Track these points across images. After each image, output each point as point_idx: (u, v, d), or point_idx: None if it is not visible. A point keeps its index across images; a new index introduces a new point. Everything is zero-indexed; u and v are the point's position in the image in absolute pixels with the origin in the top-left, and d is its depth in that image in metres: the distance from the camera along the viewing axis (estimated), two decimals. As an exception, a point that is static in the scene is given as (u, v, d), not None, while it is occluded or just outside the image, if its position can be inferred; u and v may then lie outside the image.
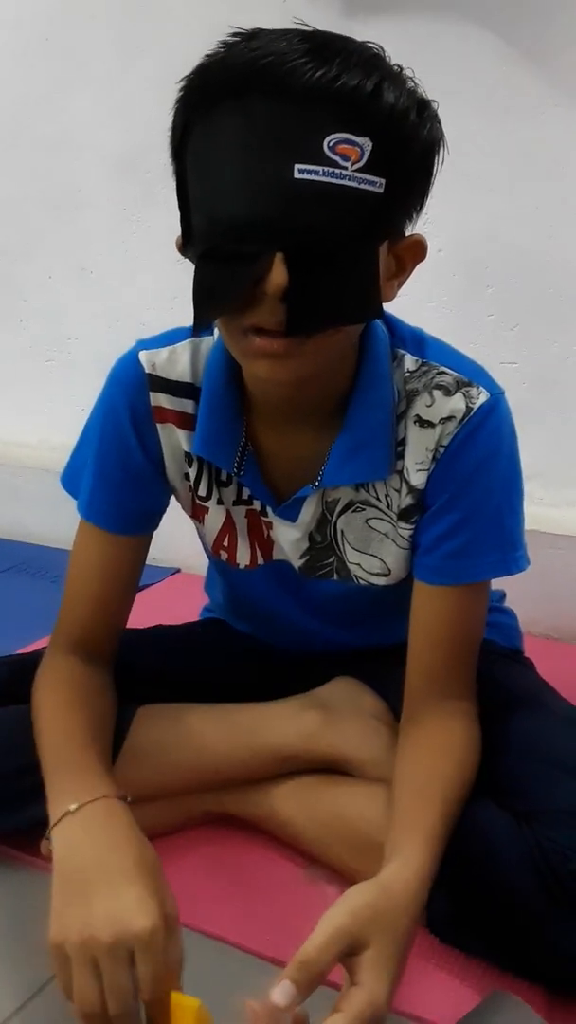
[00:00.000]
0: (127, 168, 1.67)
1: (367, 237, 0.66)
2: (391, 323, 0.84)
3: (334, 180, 0.62)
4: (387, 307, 0.87)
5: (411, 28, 1.40)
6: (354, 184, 0.63)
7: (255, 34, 0.64)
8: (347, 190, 0.63)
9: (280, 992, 0.55)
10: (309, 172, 0.62)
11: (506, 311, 1.45)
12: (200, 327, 0.70)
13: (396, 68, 0.67)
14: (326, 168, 0.62)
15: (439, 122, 0.69)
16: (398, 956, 0.61)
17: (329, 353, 0.71)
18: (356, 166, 0.63)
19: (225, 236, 0.65)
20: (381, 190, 0.64)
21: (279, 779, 0.90)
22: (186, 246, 0.70)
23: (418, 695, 0.84)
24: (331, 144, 0.62)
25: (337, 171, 0.62)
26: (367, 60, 0.64)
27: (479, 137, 1.40)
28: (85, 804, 0.70)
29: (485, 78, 1.39)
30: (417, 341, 0.84)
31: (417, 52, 1.37)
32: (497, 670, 0.92)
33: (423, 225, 1.52)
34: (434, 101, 0.69)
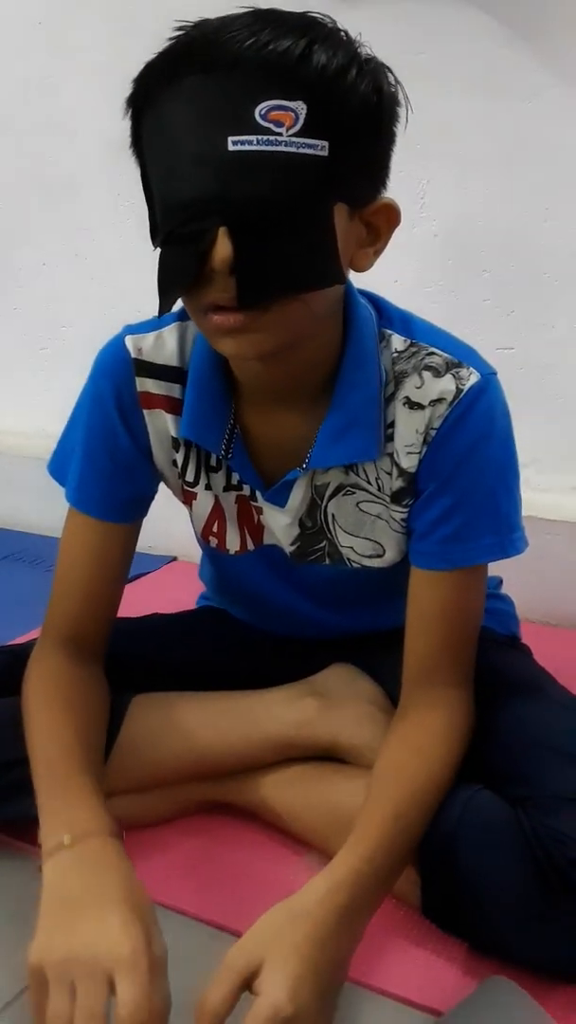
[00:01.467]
0: (121, 153, 1.65)
1: (314, 201, 0.65)
2: (378, 304, 0.83)
3: (270, 148, 0.62)
4: (382, 292, 0.86)
5: (405, 11, 1.39)
6: (292, 149, 0.62)
7: (198, 24, 0.64)
8: (286, 156, 0.62)
9: None
10: (243, 143, 0.62)
11: (502, 296, 1.44)
12: (163, 310, 0.70)
13: (334, 29, 0.65)
14: (260, 137, 0.61)
15: (387, 78, 0.67)
16: (296, 957, 0.59)
17: (293, 324, 0.69)
18: (292, 131, 0.62)
19: (175, 218, 0.65)
20: (325, 152, 0.63)
21: (275, 767, 0.89)
22: (153, 238, 0.70)
23: (413, 682, 0.83)
24: (263, 112, 0.61)
25: (272, 138, 0.62)
26: (300, 25, 0.63)
27: (473, 120, 1.39)
28: (78, 839, 0.68)
29: (479, 60, 1.37)
30: (405, 322, 0.83)
31: (411, 34, 1.38)
32: (494, 657, 0.92)
33: (419, 210, 1.52)
34: (373, 58, 0.67)
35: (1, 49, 1.81)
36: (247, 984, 0.59)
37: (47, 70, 1.77)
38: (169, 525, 1.36)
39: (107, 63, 1.68)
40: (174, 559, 1.76)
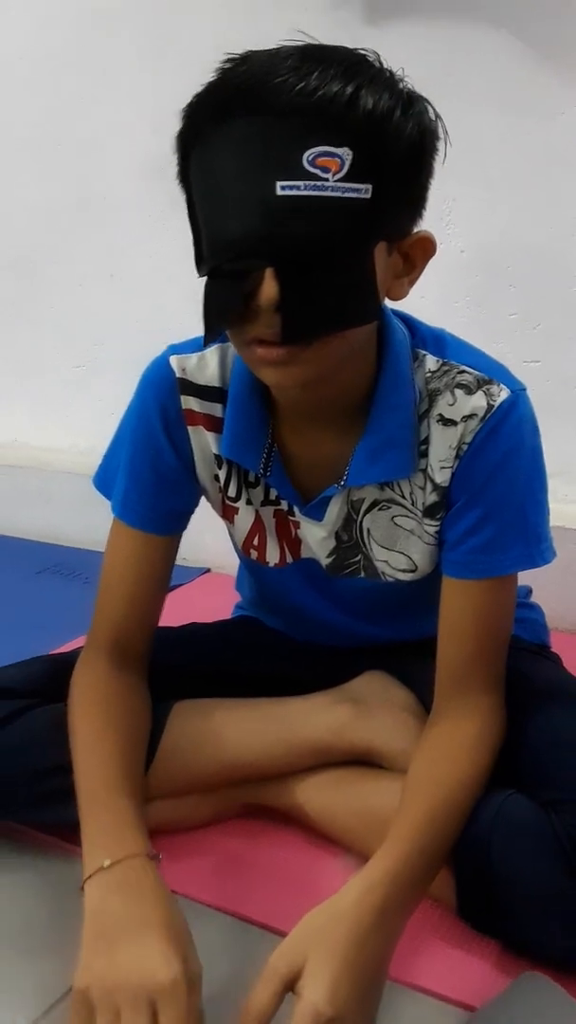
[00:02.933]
0: (155, 174, 1.69)
1: (358, 242, 0.68)
2: (411, 324, 0.86)
3: (316, 192, 0.64)
4: (409, 308, 0.89)
5: (431, 32, 1.42)
6: (338, 194, 0.65)
7: (245, 58, 0.67)
8: (331, 200, 0.65)
9: None
10: (291, 188, 0.64)
11: (529, 310, 1.47)
12: (208, 341, 0.73)
13: (380, 69, 0.68)
14: (307, 182, 0.64)
15: (428, 114, 0.70)
16: (335, 958, 0.62)
17: (332, 356, 0.72)
18: (338, 176, 0.64)
19: (222, 255, 0.69)
20: (368, 195, 0.66)
21: (312, 771, 0.92)
22: (199, 266, 0.73)
23: (445, 689, 0.86)
24: (310, 158, 0.64)
25: (319, 183, 0.64)
26: (348, 67, 0.65)
27: (498, 137, 1.42)
28: (117, 862, 0.70)
29: (503, 79, 1.40)
30: (437, 341, 0.85)
31: (437, 56, 1.41)
32: (523, 664, 0.94)
33: (444, 227, 1.55)
34: (430, 105, 0.69)
35: (37, 74, 1.87)
36: (290, 986, 0.61)
37: (82, 94, 1.83)
38: (202, 537, 1.38)
39: (139, 85, 1.72)
40: (207, 571, 1.79)
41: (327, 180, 0.64)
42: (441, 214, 1.45)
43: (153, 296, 1.83)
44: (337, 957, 0.62)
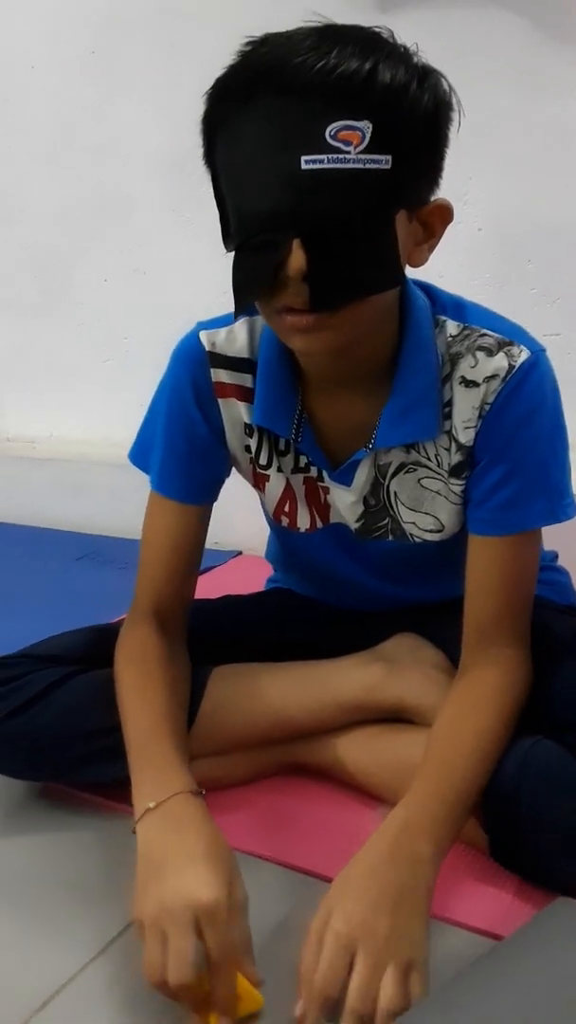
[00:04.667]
0: (174, 170, 1.74)
1: (380, 211, 0.72)
2: (431, 292, 0.89)
3: (339, 165, 0.68)
4: (430, 280, 0.92)
5: (444, 17, 1.45)
6: (359, 165, 0.68)
7: (265, 40, 0.71)
8: (354, 172, 0.68)
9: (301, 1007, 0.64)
10: (315, 162, 0.68)
11: (547, 285, 1.49)
12: (239, 312, 0.77)
13: (395, 45, 0.71)
14: (330, 156, 0.68)
15: (443, 86, 0.73)
16: (351, 888, 0.67)
17: (359, 322, 0.76)
18: (359, 149, 0.68)
19: (250, 229, 0.72)
20: (388, 165, 0.69)
21: (346, 729, 0.96)
22: (226, 242, 0.77)
23: (472, 643, 0.89)
24: (332, 132, 0.68)
25: (341, 156, 0.68)
26: (364, 44, 0.69)
27: (514, 116, 1.44)
28: (163, 802, 0.75)
29: (517, 60, 1.43)
30: (457, 307, 0.88)
31: (451, 39, 1.44)
32: (552, 622, 0.96)
33: (463, 205, 1.57)
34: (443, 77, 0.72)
35: (57, 76, 1.92)
36: None
37: (100, 95, 1.87)
38: (233, 520, 1.42)
39: (156, 87, 1.77)
40: (239, 553, 1.83)
41: (349, 153, 0.68)
42: (459, 193, 1.47)
43: (177, 289, 1.87)
44: (350, 888, 0.67)
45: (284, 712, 0.95)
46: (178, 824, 0.74)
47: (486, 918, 0.77)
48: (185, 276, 1.83)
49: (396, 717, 0.95)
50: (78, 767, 0.93)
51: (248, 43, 0.71)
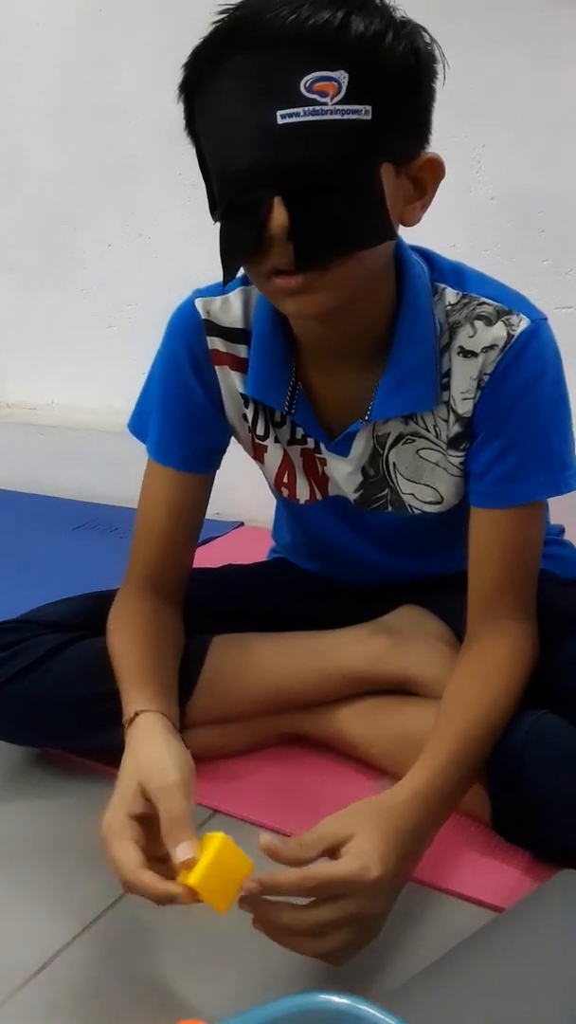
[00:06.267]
0: (180, 133, 1.71)
1: (362, 163, 0.69)
2: (430, 258, 0.87)
3: (316, 118, 0.66)
4: (441, 250, 0.90)
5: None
6: (338, 116, 0.66)
7: (240, 4, 0.69)
8: (332, 124, 0.66)
9: (266, 839, 0.62)
10: (291, 115, 0.66)
11: (560, 256, 1.46)
12: (227, 279, 0.75)
13: None
14: (307, 108, 0.66)
15: (423, 38, 0.71)
16: (386, 840, 0.65)
17: (349, 282, 0.74)
18: (336, 99, 0.66)
19: (231, 191, 0.71)
20: (368, 116, 0.67)
21: (349, 700, 0.95)
22: (212, 212, 0.75)
23: (477, 617, 0.88)
24: (308, 84, 0.66)
25: (318, 108, 0.66)
26: None
27: (528, 82, 1.41)
28: (130, 720, 0.78)
29: (527, 24, 1.39)
30: (457, 274, 0.86)
31: (460, 2, 1.40)
32: (557, 596, 0.95)
33: (475, 173, 1.54)
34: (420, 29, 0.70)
35: (59, 37, 1.88)
36: (332, 852, 0.64)
37: (104, 56, 1.84)
38: (236, 491, 1.41)
39: (162, 45, 1.73)
40: (241, 524, 1.82)
41: (326, 104, 0.66)
42: (471, 161, 1.45)
43: (182, 255, 1.84)
44: (388, 840, 0.65)
45: (285, 682, 0.94)
46: (136, 738, 0.76)
47: (490, 891, 0.76)
48: (190, 243, 1.80)
49: (399, 689, 0.94)
50: (76, 733, 0.93)
51: (223, 10, 0.70)
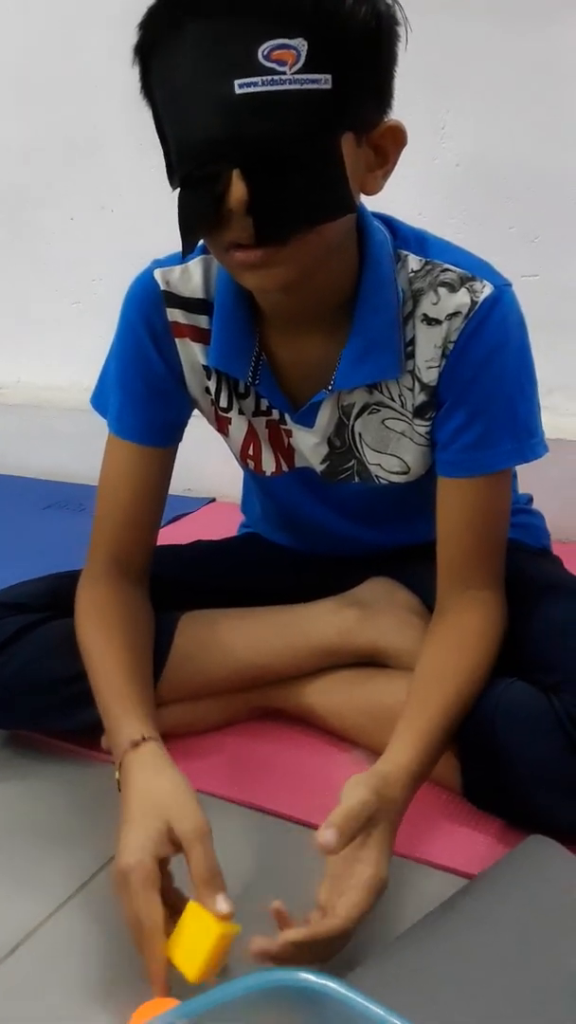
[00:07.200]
0: (143, 105, 1.68)
1: (323, 134, 0.68)
2: (392, 225, 0.86)
3: (275, 88, 0.64)
4: (407, 218, 0.89)
5: None
6: (297, 86, 0.64)
7: None
8: (291, 94, 0.64)
9: (327, 834, 0.60)
10: (249, 85, 0.64)
11: (526, 223, 1.45)
12: (186, 251, 0.74)
13: None
14: (264, 78, 0.64)
15: (382, 2, 0.69)
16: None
17: (310, 254, 0.72)
18: (295, 68, 0.64)
19: (189, 162, 0.69)
20: (329, 85, 0.65)
21: (320, 673, 0.95)
22: (171, 179, 0.73)
23: (447, 587, 0.87)
24: (265, 52, 0.63)
25: (276, 78, 0.64)
26: None
27: (493, 48, 1.39)
28: (126, 752, 0.74)
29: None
30: (420, 241, 0.85)
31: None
32: (526, 564, 0.95)
33: (439, 140, 1.52)
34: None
35: (20, 5, 1.83)
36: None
37: (65, 24, 1.79)
38: (206, 468, 1.40)
39: (124, 15, 1.69)
40: (212, 500, 1.80)
41: (284, 73, 0.64)
42: (435, 127, 1.43)
43: (148, 229, 1.80)
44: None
45: (255, 657, 0.94)
46: (124, 780, 0.73)
47: (462, 859, 0.77)
48: (156, 216, 1.76)
49: (370, 661, 0.94)
50: (46, 714, 0.92)
51: None
